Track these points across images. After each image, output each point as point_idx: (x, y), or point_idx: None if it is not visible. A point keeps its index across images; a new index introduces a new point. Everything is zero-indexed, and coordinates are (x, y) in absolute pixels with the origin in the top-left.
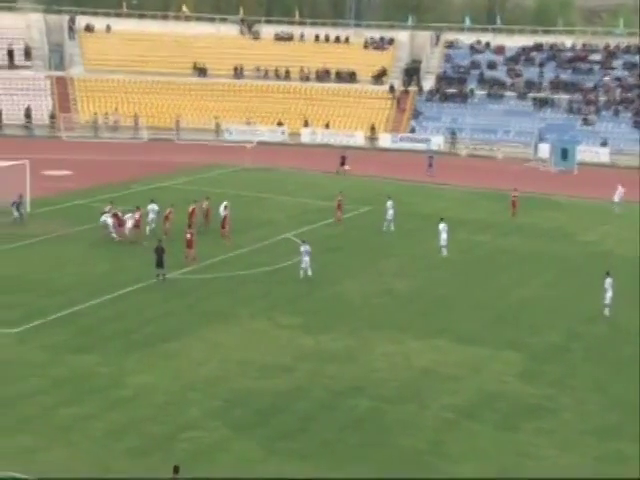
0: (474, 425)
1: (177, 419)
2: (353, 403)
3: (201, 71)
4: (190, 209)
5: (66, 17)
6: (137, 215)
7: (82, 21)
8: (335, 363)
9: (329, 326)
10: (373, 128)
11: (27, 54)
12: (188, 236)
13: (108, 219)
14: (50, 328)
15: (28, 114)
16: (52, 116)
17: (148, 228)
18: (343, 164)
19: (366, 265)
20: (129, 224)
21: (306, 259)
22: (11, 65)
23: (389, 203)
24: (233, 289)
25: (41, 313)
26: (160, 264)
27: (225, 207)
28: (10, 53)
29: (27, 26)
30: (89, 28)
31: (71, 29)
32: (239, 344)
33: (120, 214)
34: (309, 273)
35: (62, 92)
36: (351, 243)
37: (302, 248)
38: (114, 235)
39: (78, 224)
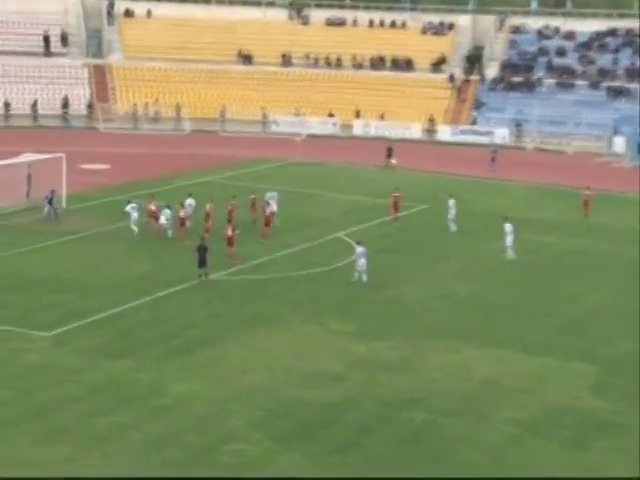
0: (539, 442)
1: (219, 430)
2: (408, 416)
3: (247, 58)
4: (229, 205)
5: (105, 1)
6: (182, 212)
7: (121, 6)
8: (389, 373)
9: (383, 333)
10: (431, 120)
11: (64, 40)
12: (229, 233)
13: (133, 212)
14: (87, 331)
15: (65, 104)
16: (89, 106)
17: (188, 223)
18: (389, 156)
19: (423, 267)
20: (162, 219)
21: (362, 261)
22: (47, 52)
23: (451, 202)
24: (281, 292)
25: (78, 315)
26: (203, 264)
27: (269, 202)
28: (46, 39)
29: (64, 11)
30: (129, 13)
31: (110, 14)
32: (286, 351)
33: (154, 207)
34: (364, 278)
35: (100, 81)
36: (407, 243)
37: (357, 249)
38: (134, 227)
39: (116, 221)
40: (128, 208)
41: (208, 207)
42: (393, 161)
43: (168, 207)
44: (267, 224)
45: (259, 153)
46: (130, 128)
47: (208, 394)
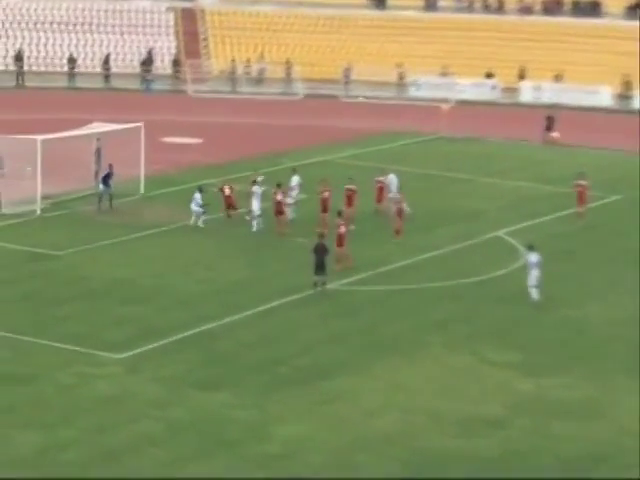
0: None
1: None
2: (594, 477)
3: (379, 1)
4: (347, 191)
5: None
6: (279, 196)
7: None
8: (567, 419)
9: (559, 366)
10: (626, 82)
11: None
12: (342, 230)
13: (256, 199)
14: (169, 354)
15: (145, 60)
16: (176, 63)
17: (290, 212)
18: (550, 128)
19: (615, 280)
20: (255, 206)
21: (535, 273)
22: None
23: None
24: (421, 308)
25: (157, 333)
26: (321, 269)
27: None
28: None
29: None
30: None
31: None
32: (428, 387)
33: (228, 190)
34: (534, 295)
35: (189, 30)
36: (592, 247)
37: (528, 257)
38: (199, 222)
39: (208, 212)
40: (255, 189)
41: (324, 192)
42: (554, 135)
43: (200, 190)
44: (399, 216)
45: (393, 125)
46: (227, 91)
47: (326, 440)
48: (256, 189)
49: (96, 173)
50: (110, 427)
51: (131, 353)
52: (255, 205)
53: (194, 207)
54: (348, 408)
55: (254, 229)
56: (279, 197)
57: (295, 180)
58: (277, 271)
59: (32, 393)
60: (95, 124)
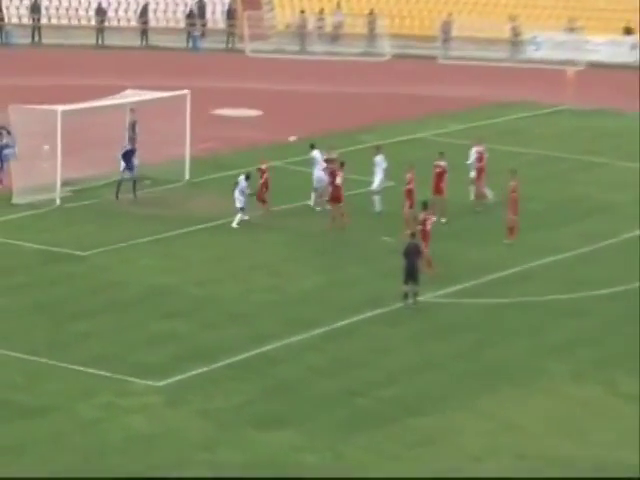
0: None
1: None
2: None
3: None
4: (436, 171)
5: None
6: (339, 178)
7: None
8: None
9: None
10: None
11: None
12: (428, 225)
13: (319, 180)
14: (219, 382)
15: (191, 12)
16: (230, 15)
17: (377, 203)
18: None
19: None
20: (377, 181)
21: None
22: None
23: None
24: (538, 327)
25: (205, 354)
26: (412, 276)
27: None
28: None
29: None
30: None
31: None
32: (549, 426)
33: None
34: None
35: None
36: None
37: None
38: (235, 220)
39: (271, 202)
40: (316, 164)
41: (408, 177)
42: None
43: (248, 177)
44: (514, 210)
45: (505, 93)
46: (294, 51)
47: None
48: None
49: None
50: (145, 474)
51: (172, 380)
52: (377, 180)
53: (238, 195)
54: (447, 453)
55: (378, 209)
56: (339, 180)
57: (380, 162)
58: (357, 278)
59: (48, 429)
60: (129, 92)
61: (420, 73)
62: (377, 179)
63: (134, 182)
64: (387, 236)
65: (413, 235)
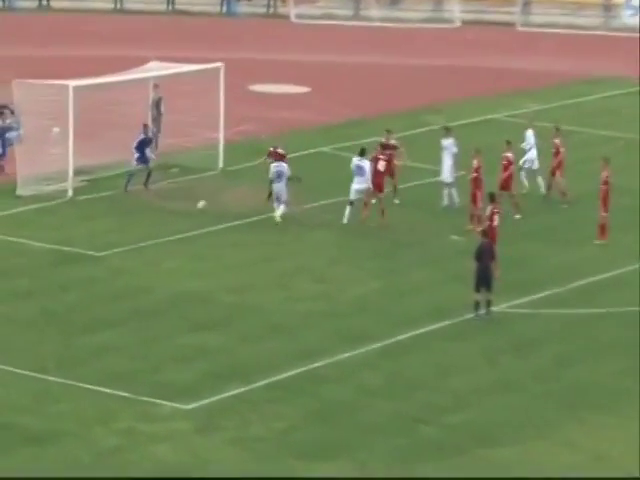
0: None
1: None
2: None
3: None
4: (504, 162)
5: None
6: (381, 163)
7: None
8: None
9: None
10: None
11: None
12: (495, 221)
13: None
14: (258, 405)
15: None
16: None
17: (446, 195)
18: None
19: None
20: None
21: None
22: None
23: None
24: (631, 341)
25: (241, 372)
26: (485, 282)
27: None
28: None
29: None
30: None
31: None
32: None
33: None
34: None
35: None
36: None
37: None
38: (283, 209)
39: (318, 195)
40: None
41: (475, 164)
42: None
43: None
44: (605, 206)
45: (594, 67)
46: (346, 16)
47: None
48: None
49: (153, 135)
50: None
51: (202, 403)
52: (446, 168)
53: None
54: None
55: (445, 203)
56: (380, 166)
57: (449, 146)
58: (419, 284)
59: (58, 457)
60: (153, 64)
61: (495, 43)
62: (446, 166)
63: (148, 173)
64: (456, 234)
65: (485, 234)
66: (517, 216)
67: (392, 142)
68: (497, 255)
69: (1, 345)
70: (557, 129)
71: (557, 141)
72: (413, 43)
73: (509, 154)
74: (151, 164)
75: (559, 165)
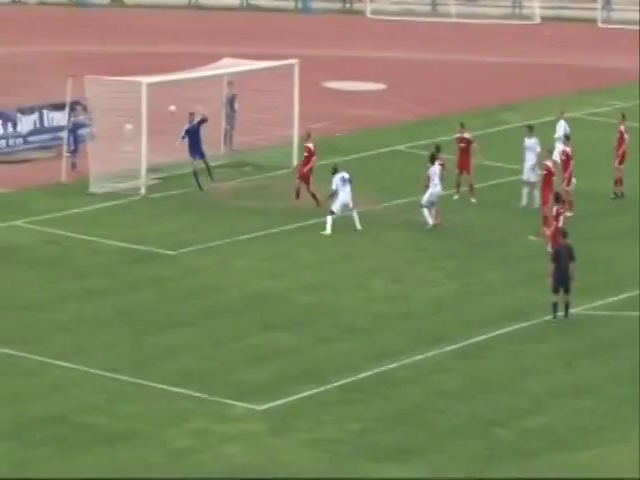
0: None
1: None
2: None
3: None
4: (564, 156)
5: None
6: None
7: None
8: None
9: None
10: None
11: None
12: (559, 223)
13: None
14: (332, 406)
15: None
16: None
17: (525, 195)
18: None
19: None
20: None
21: None
22: None
23: None
24: None
25: (316, 373)
26: (563, 284)
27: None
28: None
29: None
30: None
31: None
32: None
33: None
34: None
35: None
36: None
37: None
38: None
39: (393, 195)
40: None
41: (549, 164)
42: None
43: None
44: None
45: None
46: (425, 12)
47: None
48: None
49: (225, 134)
50: None
51: (276, 403)
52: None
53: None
54: None
55: (524, 202)
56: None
57: (532, 146)
58: (496, 285)
59: (131, 458)
60: (226, 61)
61: (576, 39)
62: (528, 166)
63: (209, 167)
64: (534, 235)
65: (565, 234)
66: (568, 214)
67: (466, 135)
68: (576, 257)
69: (76, 344)
70: (622, 116)
71: (622, 127)
72: (491, 40)
73: (567, 148)
74: (205, 158)
75: (623, 153)
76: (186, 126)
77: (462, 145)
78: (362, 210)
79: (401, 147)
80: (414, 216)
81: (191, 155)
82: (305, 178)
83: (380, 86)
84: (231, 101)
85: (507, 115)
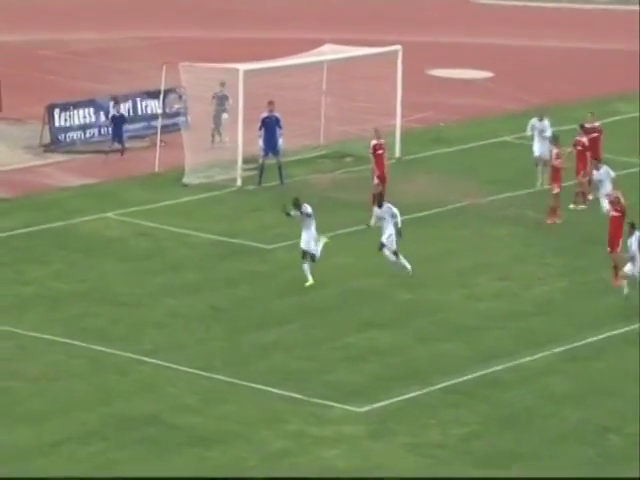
0: None
1: None
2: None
3: None
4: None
5: None
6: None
7: None
8: None
9: None
10: None
11: None
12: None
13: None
14: (435, 409)
15: None
16: None
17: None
18: None
19: None
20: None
21: None
22: None
23: None
24: None
25: (418, 375)
26: None
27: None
28: None
29: None
30: None
31: None
32: None
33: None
34: None
35: None
36: None
37: None
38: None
39: (501, 188)
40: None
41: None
42: None
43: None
44: None
45: None
46: None
47: None
48: None
49: (212, 132)
50: None
51: (376, 406)
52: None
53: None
54: None
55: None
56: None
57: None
58: (608, 284)
59: (226, 460)
60: (326, 47)
61: None
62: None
63: (279, 167)
64: None
65: (632, 226)
66: (581, 207)
67: (596, 125)
68: None
69: (170, 342)
70: None
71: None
72: (603, 26)
73: (583, 139)
74: (280, 156)
75: None
76: (264, 114)
77: (595, 135)
78: (466, 203)
79: (508, 138)
80: (526, 211)
81: (264, 148)
82: (383, 179)
83: (487, 74)
84: (221, 100)
85: (620, 105)
